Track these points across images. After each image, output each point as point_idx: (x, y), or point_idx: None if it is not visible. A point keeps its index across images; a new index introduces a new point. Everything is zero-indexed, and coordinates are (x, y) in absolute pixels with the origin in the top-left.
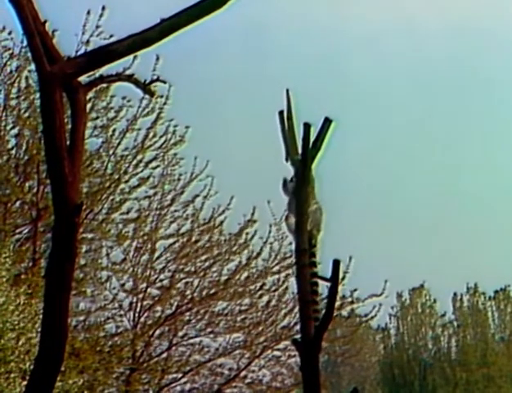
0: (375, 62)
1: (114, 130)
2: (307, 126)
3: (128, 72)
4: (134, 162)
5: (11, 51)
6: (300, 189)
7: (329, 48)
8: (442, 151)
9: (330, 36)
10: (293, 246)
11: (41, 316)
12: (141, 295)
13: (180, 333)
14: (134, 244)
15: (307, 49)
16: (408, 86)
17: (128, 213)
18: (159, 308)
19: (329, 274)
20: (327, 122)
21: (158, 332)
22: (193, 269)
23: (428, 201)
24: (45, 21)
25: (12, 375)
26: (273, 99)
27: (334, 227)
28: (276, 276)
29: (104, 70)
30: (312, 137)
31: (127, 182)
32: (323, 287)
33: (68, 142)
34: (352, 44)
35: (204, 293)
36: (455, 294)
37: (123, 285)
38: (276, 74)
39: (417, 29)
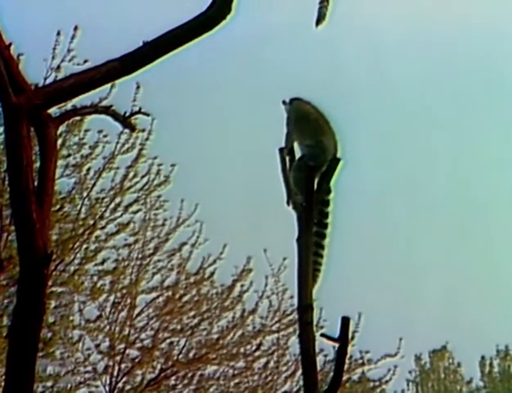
0: (381, 78)
1: (88, 169)
2: (311, 166)
3: (105, 103)
4: (112, 206)
5: None
6: (304, 237)
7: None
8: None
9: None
10: (294, 301)
11: (2, 383)
12: (118, 358)
13: None
14: (111, 299)
15: (310, 78)
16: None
17: (104, 263)
18: (139, 371)
19: (336, 334)
20: (334, 161)
21: None
22: (179, 327)
23: (451, 252)
24: (9, 44)
25: None
26: (273, 134)
27: (343, 279)
28: (275, 335)
29: (77, 101)
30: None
31: (103, 228)
32: (329, 348)
33: (36, 183)
34: (354, 66)
35: (191, 354)
36: (483, 357)
37: (97, 345)
38: (278, 106)
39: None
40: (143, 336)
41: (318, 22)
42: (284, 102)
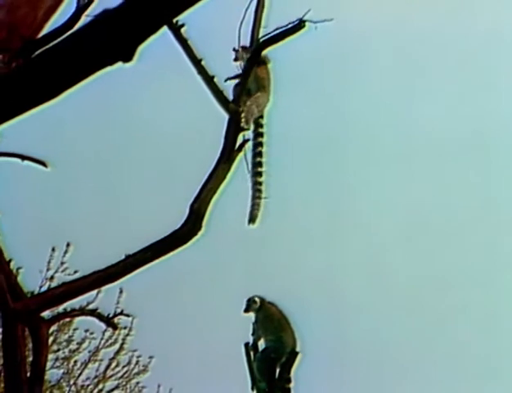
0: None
1: (75, 361)
2: (272, 358)
3: (92, 306)
4: (95, 391)
5: None
6: None
7: None
8: None
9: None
10: None
11: None
12: None
13: None
14: None
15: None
16: None
17: None
18: None
19: None
20: (293, 354)
21: None
22: None
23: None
24: (10, 260)
25: None
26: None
27: None
28: None
29: (67, 304)
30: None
31: None
32: None
33: (28, 374)
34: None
35: None
36: None
37: None
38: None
39: None
40: None
41: (250, 222)
42: (254, 302)
